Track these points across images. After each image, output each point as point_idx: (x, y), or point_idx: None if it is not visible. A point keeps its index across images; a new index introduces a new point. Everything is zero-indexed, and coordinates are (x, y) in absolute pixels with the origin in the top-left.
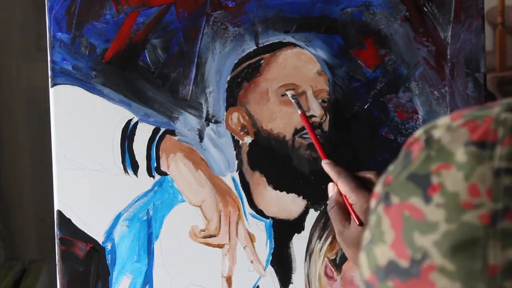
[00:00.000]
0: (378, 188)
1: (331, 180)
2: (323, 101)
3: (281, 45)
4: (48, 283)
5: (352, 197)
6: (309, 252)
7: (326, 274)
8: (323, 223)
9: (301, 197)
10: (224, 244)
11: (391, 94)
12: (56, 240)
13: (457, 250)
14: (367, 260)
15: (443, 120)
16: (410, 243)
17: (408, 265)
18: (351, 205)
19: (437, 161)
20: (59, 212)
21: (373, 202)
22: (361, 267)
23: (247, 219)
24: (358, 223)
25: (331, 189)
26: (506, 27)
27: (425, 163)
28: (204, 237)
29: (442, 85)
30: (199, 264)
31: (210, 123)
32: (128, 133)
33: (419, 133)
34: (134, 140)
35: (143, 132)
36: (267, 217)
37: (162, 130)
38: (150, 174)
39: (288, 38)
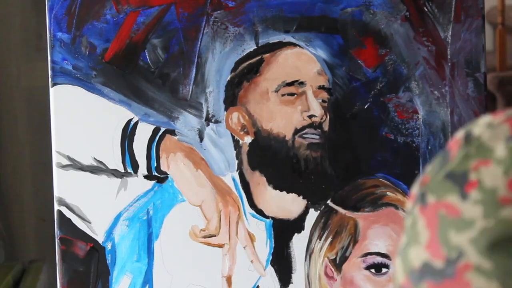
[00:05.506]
0: (415, 189)
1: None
2: (323, 101)
3: (281, 45)
4: (48, 283)
5: None
6: (309, 252)
7: (326, 274)
8: (323, 223)
9: (301, 197)
10: (224, 244)
11: (391, 94)
12: (56, 240)
13: (494, 247)
14: (402, 264)
15: (485, 118)
16: (445, 242)
17: (443, 265)
18: None
19: (476, 158)
20: (59, 212)
21: (409, 204)
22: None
23: (247, 219)
24: None
25: None
26: (506, 27)
27: (463, 161)
28: (204, 237)
29: (442, 85)
30: (199, 264)
31: (210, 123)
32: (128, 133)
33: (459, 133)
34: (134, 140)
35: (143, 132)
36: (267, 217)
37: (162, 130)
38: (150, 174)
39: (288, 38)
